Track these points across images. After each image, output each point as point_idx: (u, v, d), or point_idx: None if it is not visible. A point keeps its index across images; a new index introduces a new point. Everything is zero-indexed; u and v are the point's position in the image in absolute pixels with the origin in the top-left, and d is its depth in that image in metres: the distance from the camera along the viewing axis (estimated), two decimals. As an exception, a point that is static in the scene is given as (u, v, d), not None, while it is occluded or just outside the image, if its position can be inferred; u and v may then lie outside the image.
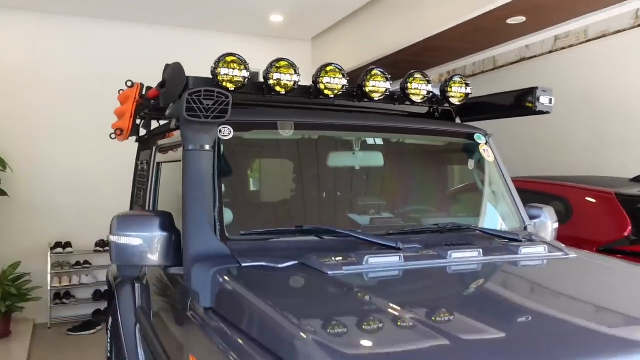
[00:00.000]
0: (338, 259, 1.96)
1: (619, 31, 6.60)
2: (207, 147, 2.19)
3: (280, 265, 1.95)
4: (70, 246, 6.99)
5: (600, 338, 1.44)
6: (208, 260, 1.98)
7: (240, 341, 1.61)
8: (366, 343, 1.38)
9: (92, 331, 6.55)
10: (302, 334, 1.39)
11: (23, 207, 6.82)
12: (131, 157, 7.04)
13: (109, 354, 4.24)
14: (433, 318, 1.52)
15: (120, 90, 4.08)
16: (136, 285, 3.44)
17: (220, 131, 2.30)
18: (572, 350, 1.34)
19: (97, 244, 7.15)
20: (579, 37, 7.08)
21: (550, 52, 7.46)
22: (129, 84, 3.77)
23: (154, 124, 3.91)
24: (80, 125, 7.15)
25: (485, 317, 1.55)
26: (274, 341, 1.46)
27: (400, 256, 1.99)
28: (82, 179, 7.21)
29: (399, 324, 1.51)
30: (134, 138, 3.96)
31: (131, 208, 4.33)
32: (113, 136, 4.10)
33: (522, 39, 6.94)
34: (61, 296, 6.99)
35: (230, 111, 2.09)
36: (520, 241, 2.33)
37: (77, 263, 7.10)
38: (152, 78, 3.36)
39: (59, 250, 6.91)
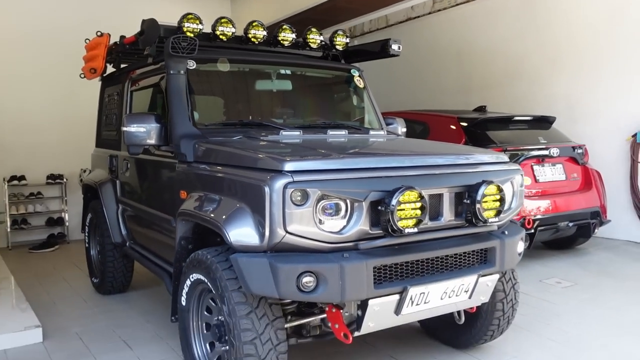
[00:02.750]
0: (265, 133, 3.45)
1: (482, -3, 8.24)
2: (182, 72, 3.58)
3: (231, 138, 3.40)
4: (25, 179, 8.00)
5: (380, 155, 3.02)
6: (189, 137, 3.39)
7: (212, 172, 3.07)
8: (291, 158, 2.79)
9: (52, 249, 7.70)
10: (255, 153, 2.86)
11: (-22, 145, 7.72)
12: (71, 98, 8.20)
13: (87, 245, 5.51)
14: (315, 149, 3.05)
15: (87, 39, 5.21)
16: (116, 181, 4.76)
17: (188, 63, 3.67)
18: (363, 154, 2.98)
19: (48, 177, 8.20)
20: (450, 2, 8.75)
21: (430, 13, 9.12)
22: (99, 33, 4.93)
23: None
24: (24, 71, 8.03)
25: (339, 149, 3.10)
26: (237, 166, 2.90)
27: (300, 132, 3.52)
28: (28, 118, 8.12)
29: (302, 151, 3.02)
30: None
31: (98, 134, 5.53)
32: (82, 75, 5.27)
33: (404, 2, 8.46)
34: (19, 222, 8.03)
35: (197, 50, 3.47)
36: (369, 130, 3.94)
37: (31, 194, 8.14)
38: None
39: (15, 182, 7.90)
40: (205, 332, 3.12)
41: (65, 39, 7.96)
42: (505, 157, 3.32)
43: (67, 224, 8.29)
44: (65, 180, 8.24)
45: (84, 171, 8.25)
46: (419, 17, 9.29)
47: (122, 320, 4.51)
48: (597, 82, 7.03)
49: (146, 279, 5.65)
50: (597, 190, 6.10)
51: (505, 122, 6.18)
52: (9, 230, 7.83)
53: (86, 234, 5.48)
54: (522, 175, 3.28)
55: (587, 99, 7.14)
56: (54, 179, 8.20)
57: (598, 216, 5.97)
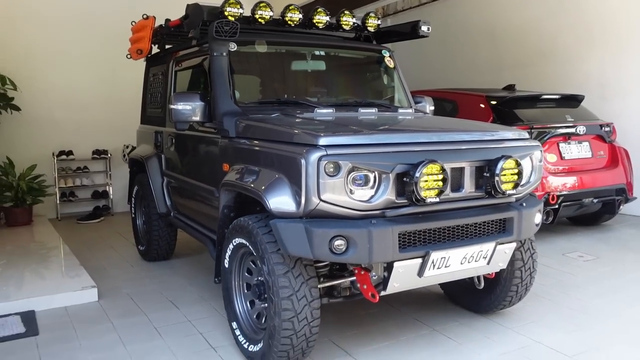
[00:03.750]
0: (301, 111, 3.74)
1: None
2: (224, 54, 3.87)
3: (270, 115, 3.70)
4: (72, 154, 8.47)
5: (406, 132, 3.26)
6: (231, 114, 3.70)
7: (252, 146, 3.37)
8: (324, 133, 3.04)
9: (97, 220, 8.18)
10: (292, 129, 3.15)
11: (31, 121, 8.18)
12: (114, 78, 8.58)
13: (133, 215, 5.92)
14: (346, 125, 3.32)
15: (133, 21, 5.53)
16: (161, 155, 5.12)
17: (230, 45, 3.95)
18: (390, 130, 3.23)
19: (93, 152, 8.66)
20: (483, -20, 8.75)
21: (463, -8, 9.10)
22: (145, 16, 5.24)
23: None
24: (72, 50, 8.45)
25: (369, 125, 3.36)
26: (276, 141, 3.18)
27: (333, 110, 3.80)
28: (75, 96, 8.56)
29: (335, 127, 3.29)
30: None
31: (143, 111, 5.88)
32: (129, 56, 5.60)
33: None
34: (67, 195, 8.54)
35: (238, 34, 3.75)
36: (398, 108, 4.19)
37: (78, 168, 8.62)
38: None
39: (63, 157, 8.39)
40: (246, 291, 3.45)
41: (109, 21, 8.34)
42: (525, 134, 3.52)
43: (111, 197, 8.76)
44: (109, 155, 8.69)
45: (127, 147, 8.69)
46: (451, -4, 9.36)
47: (168, 284, 4.91)
48: (627, 61, 7.07)
49: (188, 247, 6.04)
50: (624, 167, 6.21)
51: (533, 100, 6.32)
52: (58, 202, 8.34)
53: (132, 205, 5.88)
54: (541, 151, 3.49)
55: (618, 78, 7.19)
56: (99, 154, 8.66)
57: (623, 193, 6.10)
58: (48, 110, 8.37)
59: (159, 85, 5.32)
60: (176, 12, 5.32)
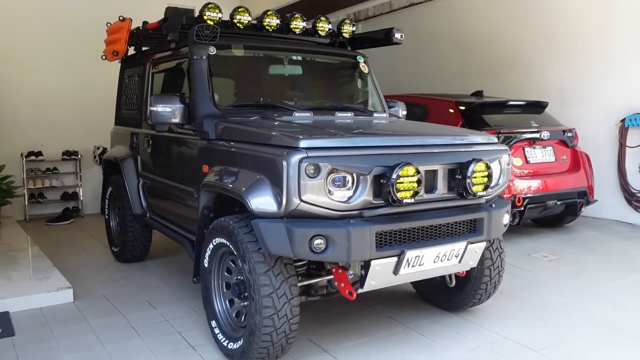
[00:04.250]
0: (279, 114, 3.83)
1: (480, -14, 8.53)
2: (204, 57, 3.94)
3: (249, 118, 3.78)
4: (42, 155, 8.36)
5: (382, 135, 3.39)
6: (210, 117, 3.77)
7: (232, 148, 3.45)
8: (305, 136, 3.14)
9: (67, 222, 8.10)
10: (272, 132, 3.24)
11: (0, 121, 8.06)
12: (86, 78, 8.52)
13: (107, 217, 5.91)
14: (325, 128, 3.43)
15: (108, 23, 5.55)
16: (137, 157, 5.14)
17: (210, 49, 4.02)
18: (368, 134, 3.36)
19: (63, 153, 8.57)
20: (452, -11, 8.98)
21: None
22: (121, 18, 5.27)
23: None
24: (43, 51, 8.36)
25: (347, 129, 3.47)
26: (257, 143, 3.27)
27: (311, 113, 3.90)
28: (44, 97, 8.44)
29: (314, 130, 3.39)
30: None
31: (118, 112, 5.89)
32: (104, 57, 5.61)
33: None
34: (36, 196, 8.43)
35: (218, 38, 3.82)
36: (373, 112, 4.32)
37: (47, 169, 8.51)
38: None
39: (32, 158, 8.27)
40: (225, 290, 3.52)
41: (81, 21, 8.30)
42: (494, 139, 3.70)
43: (81, 198, 8.68)
44: (80, 156, 8.60)
45: (98, 148, 8.63)
46: (421, 2, 9.60)
47: (144, 285, 4.93)
48: (588, 68, 7.38)
49: (162, 249, 6.06)
50: (585, 171, 6.49)
51: (500, 106, 6.55)
52: (26, 203, 8.22)
53: (106, 207, 5.86)
54: (509, 155, 3.67)
55: (579, 85, 7.50)
56: (69, 155, 8.57)
57: (585, 196, 6.37)
58: (17, 110, 8.25)
59: (135, 87, 5.34)
60: (146, 14, 5.40)
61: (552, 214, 6.44)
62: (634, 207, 6.96)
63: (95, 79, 8.36)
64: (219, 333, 3.46)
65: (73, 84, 8.58)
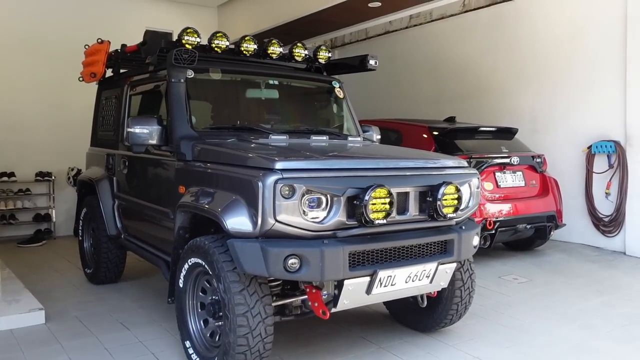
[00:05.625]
0: (255, 137, 3.90)
1: (453, 15, 8.87)
2: (182, 80, 4.02)
3: (225, 140, 3.85)
4: (14, 175, 8.28)
5: (356, 158, 3.48)
6: (187, 139, 3.83)
7: (209, 169, 3.51)
8: (280, 158, 3.22)
9: (39, 244, 7.99)
10: (249, 154, 3.31)
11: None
12: (61, 100, 8.53)
13: (80, 238, 5.87)
14: (300, 151, 3.51)
15: (86, 45, 5.59)
16: (113, 178, 5.15)
17: (188, 73, 4.10)
18: (342, 157, 3.47)
19: (37, 175, 8.49)
20: (426, 18, 9.32)
21: (407, 27, 9.67)
22: (99, 40, 5.32)
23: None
24: (17, 73, 8.34)
25: (322, 152, 3.56)
26: (233, 164, 3.34)
27: (287, 136, 3.99)
28: (18, 118, 8.40)
29: (289, 153, 3.47)
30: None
31: (94, 133, 5.90)
32: (81, 79, 5.64)
33: (382, 17, 9.00)
34: (7, 218, 8.31)
35: (196, 62, 3.90)
36: (348, 136, 4.43)
37: (20, 190, 8.42)
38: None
39: (4, 179, 8.18)
40: (200, 310, 3.53)
41: (56, 43, 8.33)
42: (464, 163, 3.82)
43: (54, 220, 8.58)
44: (53, 177, 8.54)
45: (72, 169, 8.58)
46: (396, 30, 9.84)
47: (117, 306, 4.89)
48: (557, 96, 7.64)
49: (134, 271, 6.03)
50: (554, 196, 6.67)
51: (472, 132, 6.73)
52: (-3, 225, 8.11)
53: (80, 228, 5.83)
54: (478, 178, 3.79)
55: (548, 113, 7.75)
56: (43, 176, 8.49)
57: (554, 220, 6.54)
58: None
59: (112, 109, 5.37)
60: (123, 37, 5.48)
61: (522, 237, 6.59)
62: (601, 231, 7.15)
63: (70, 100, 8.37)
64: (192, 353, 3.47)
65: (48, 105, 8.56)
